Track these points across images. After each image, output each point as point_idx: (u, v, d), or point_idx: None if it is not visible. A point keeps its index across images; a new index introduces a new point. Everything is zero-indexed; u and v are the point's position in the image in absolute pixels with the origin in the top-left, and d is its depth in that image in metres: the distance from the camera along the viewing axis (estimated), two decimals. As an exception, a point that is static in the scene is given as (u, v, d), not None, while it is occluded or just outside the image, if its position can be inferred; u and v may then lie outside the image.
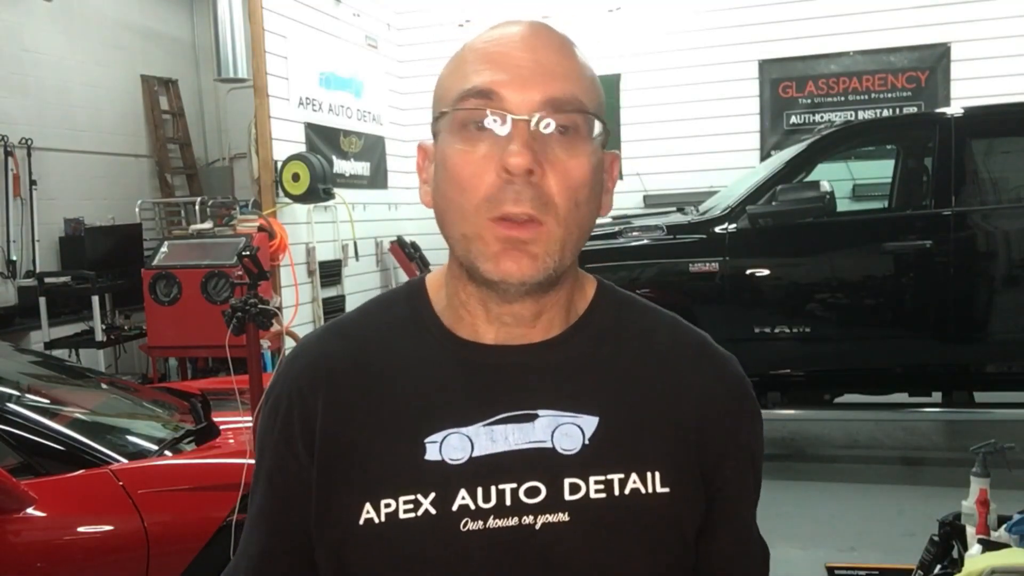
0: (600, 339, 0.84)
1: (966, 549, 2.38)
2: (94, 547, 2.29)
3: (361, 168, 6.77)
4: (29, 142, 6.73)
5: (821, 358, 4.58)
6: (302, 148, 5.81)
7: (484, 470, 0.78)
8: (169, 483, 2.49)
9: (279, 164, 5.57)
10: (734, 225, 4.50)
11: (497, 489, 0.77)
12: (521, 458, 0.78)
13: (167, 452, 2.61)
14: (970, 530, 2.43)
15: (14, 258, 6.61)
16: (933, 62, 6.84)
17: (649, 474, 0.79)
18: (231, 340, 2.39)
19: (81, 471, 2.36)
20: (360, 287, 6.65)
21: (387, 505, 0.78)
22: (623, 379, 0.82)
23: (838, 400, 4.75)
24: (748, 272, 4.49)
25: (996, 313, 4.42)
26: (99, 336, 5.79)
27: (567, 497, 0.77)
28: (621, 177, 7.53)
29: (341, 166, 6.35)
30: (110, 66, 7.81)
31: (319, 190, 5.53)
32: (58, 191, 7.09)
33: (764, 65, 7.20)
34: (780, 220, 4.43)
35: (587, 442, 0.79)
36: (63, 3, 7.09)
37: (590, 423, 0.80)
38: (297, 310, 5.53)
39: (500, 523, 0.77)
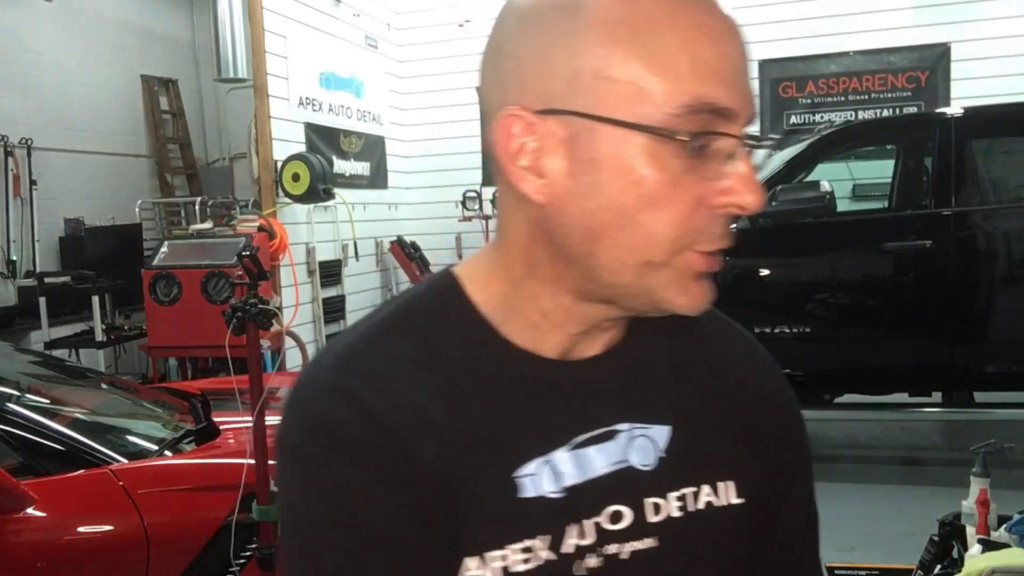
0: (655, 341, 0.75)
1: (966, 549, 2.38)
2: (94, 547, 2.29)
3: (361, 168, 6.77)
4: (29, 142, 6.74)
5: (821, 358, 4.58)
6: (302, 148, 5.81)
7: (581, 501, 0.68)
8: (169, 483, 2.49)
9: (279, 164, 5.57)
10: (734, 225, 4.49)
11: (593, 521, 0.68)
12: (607, 482, 0.69)
13: (167, 452, 2.61)
14: (970, 530, 2.43)
15: (14, 258, 6.62)
16: (933, 62, 6.83)
17: (722, 485, 0.73)
18: (231, 340, 2.38)
19: (81, 471, 2.37)
20: (360, 287, 6.65)
21: (501, 558, 0.65)
22: (684, 380, 0.75)
23: (838, 400, 4.75)
24: (748, 272, 4.49)
25: (996, 313, 4.42)
26: (99, 336, 5.79)
27: (651, 519, 0.70)
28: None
29: (341, 166, 6.35)
30: (110, 66, 7.81)
31: (319, 190, 5.53)
32: (58, 191, 7.09)
33: (764, 65, 7.20)
34: (780, 220, 4.43)
35: (663, 455, 0.71)
36: (63, 3, 7.09)
37: (662, 433, 0.72)
38: (297, 310, 5.53)
39: (595, 561, 0.68)
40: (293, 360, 5.53)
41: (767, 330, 4.45)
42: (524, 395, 0.69)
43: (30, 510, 2.22)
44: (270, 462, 2.35)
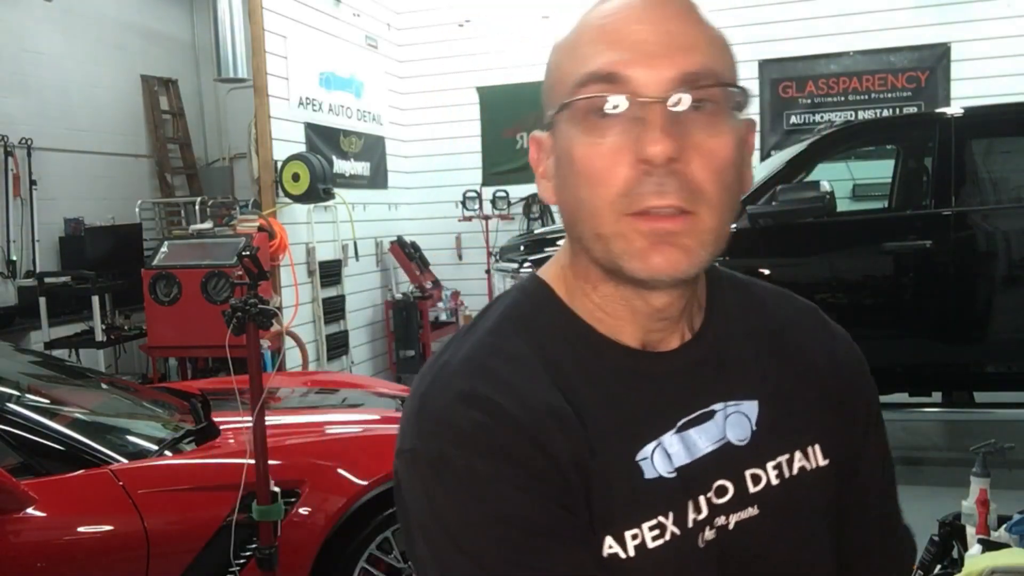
0: (733, 322, 0.81)
1: (966, 549, 2.38)
2: (94, 547, 2.29)
3: (361, 168, 6.77)
4: (29, 142, 6.74)
5: (821, 358, 4.58)
6: (302, 148, 5.81)
7: (692, 479, 0.74)
8: (169, 483, 2.48)
9: (279, 164, 5.57)
10: (734, 225, 4.48)
11: (708, 495, 0.74)
12: (711, 459, 0.75)
13: (167, 452, 2.61)
14: (970, 530, 2.43)
15: (14, 258, 6.62)
16: (933, 62, 6.84)
17: (811, 449, 0.79)
18: (231, 340, 2.38)
19: (81, 471, 2.36)
20: (360, 287, 6.65)
21: (634, 536, 0.71)
22: (762, 358, 0.80)
23: (838, 400, 4.75)
24: (748, 272, 4.48)
25: (996, 313, 4.42)
26: (99, 336, 5.79)
27: (751, 490, 0.76)
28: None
29: (341, 166, 6.36)
30: (110, 66, 7.81)
31: (319, 190, 5.53)
32: (58, 191, 7.09)
33: (764, 65, 7.20)
34: (780, 220, 4.43)
35: (755, 428, 0.77)
36: (63, 3, 7.09)
37: (752, 408, 0.77)
38: (297, 310, 5.53)
39: (710, 534, 0.74)
40: (293, 360, 5.53)
41: (767, 330, 4.45)
42: (630, 385, 0.74)
43: (30, 510, 2.22)
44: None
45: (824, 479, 0.79)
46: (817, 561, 0.78)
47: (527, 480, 0.69)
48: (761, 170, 5.05)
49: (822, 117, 6.71)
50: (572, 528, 0.69)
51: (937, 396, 4.73)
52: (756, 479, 0.76)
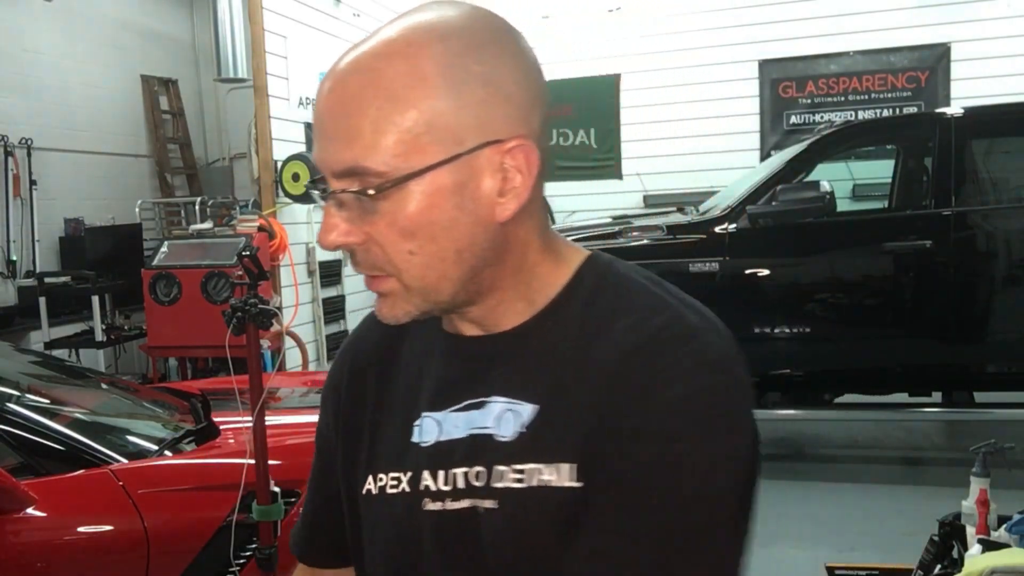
0: (562, 326, 0.79)
1: (966, 549, 2.38)
2: (94, 547, 2.29)
3: (361, 168, 6.76)
4: (29, 142, 6.74)
5: (821, 358, 4.58)
6: (302, 148, 5.81)
7: (444, 453, 0.81)
8: (169, 483, 2.48)
9: (279, 164, 5.57)
10: (734, 225, 4.50)
11: (452, 473, 0.80)
12: (472, 444, 0.80)
13: (167, 452, 2.61)
14: (970, 530, 2.43)
15: (14, 258, 6.62)
16: (933, 62, 6.84)
17: (565, 466, 0.75)
18: (231, 340, 2.38)
19: (81, 471, 2.36)
20: (360, 287, 6.63)
21: (379, 479, 0.86)
22: (569, 368, 0.77)
23: (838, 400, 4.75)
24: (748, 272, 4.49)
25: (996, 313, 4.42)
26: (99, 336, 5.79)
27: (496, 484, 0.78)
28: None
29: (341, 166, 6.35)
30: (110, 66, 7.81)
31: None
32: (58, 191, 7.09)
33: (764, 65, 7.20)
34: (780, 220, 4.43)
35: (522, 430, 0.78)
36: (63, 3, 7.09)
37: (528, 411, 0.78)
38: (297, 310, 5.53)
39: (455, 505, 0.80)
40: (293, 360, 5.53)
41: (767, 330, 4.46)
42: (438, 364, 0.85)
43: (30, 510, 2.22)
44: (272, 462, 2.35)
45: (572, 501, 0.73)
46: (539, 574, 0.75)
47: (329, 401, 0.96)
48: (761, 170, 5.05)
49: (822, 117, 6.71)
50: (327, 468, 0.95)
51: (937, 396, 4.73)
52: (502, 476, 0.78)
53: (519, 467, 0.77)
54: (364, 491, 0.87)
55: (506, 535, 0.77)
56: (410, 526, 0.82)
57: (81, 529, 2.31)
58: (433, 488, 0.81)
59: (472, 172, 0.74)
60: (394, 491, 0.84)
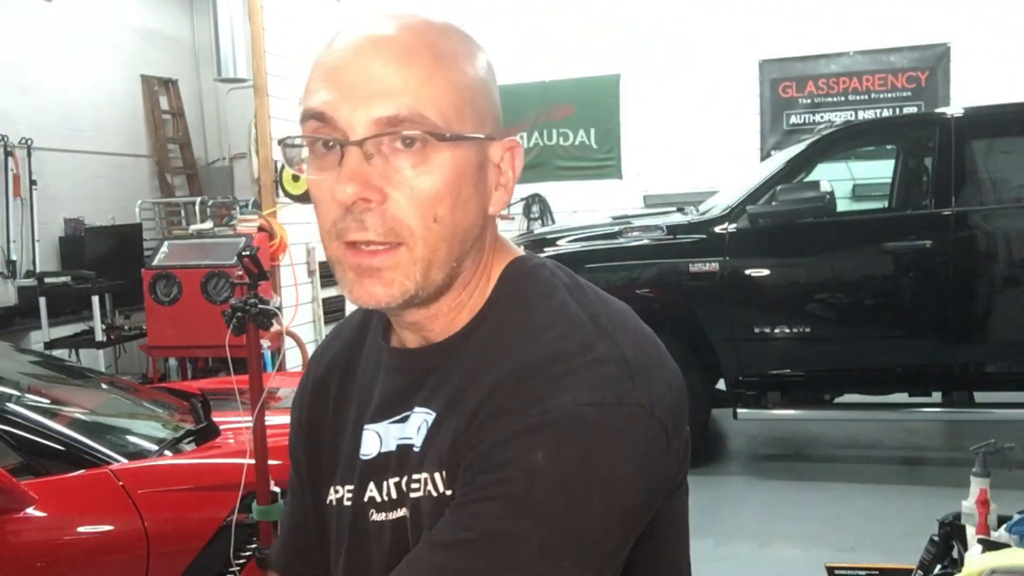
0: (477, 336, 0.79)
1: (966, 549, 2.38)
2: (94, 547, 2.29)
3: (361, 168, 6.76)
4: (29, 142, 6.73)
5: (821, 358, 4.58)
6: (302, 148, 5.80)
7: (381, 465, 0.82)
8: (169, 483, 2.48)
9: (279, 164, 5.57)
10: (734, 225, 4.50)
11: (388, 483, 0.81)
12: (399, 455, 0.81)
13: (167, 452, 2.61)
14: (970, 530, 2.43)
15: (14, 258, 6.61)
16: (933, 62, 6.84)
17: (439, 475, 0.76)
18: (231, 340, 2.38)
19: (81, 471, 2.36)
20: (360, 287, 6.64)
21: (337, 491, 0.87)
22: (468, 381, 0.76)
23: (838, 400, 4.75)
24: (748, 272, 4.49)
25: (996, 313, 4.41)
26: (99, 336, 5.79)
27: (411, 494, 0.79)
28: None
29: (341, 166, 6.34)
30: (110, 66, 7.81)
31: (319, 190, 5.52)
32: (58, 191, 7.09)
33: (764, 65, 7.21)
34: (780, 220, 4.43)
35: (425, 438, 0.79)
36: (63, 3, 7.09)
37: (431, 419, 0.79)
38: (297, 310, 5.52)
39: (395, 515, 0.80)
40: (293, 360, 5.52)
41: (767, 330, 4.45)
42: (381, 373, 0.86)
43: (30, 510, 2.22)
44: (272, 462, 2.35)
45: (444, 509, 0.74)
46: None
47: (295, 413, 0.97)
48: (761, 170, 5.05)
49: (822, 117, 6.71)
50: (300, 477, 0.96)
51: (937, 396, 4.73)
52: (413, 485, 0.79)
53: (417, 476, 0.78)
54: (328, 502, 0.88)
55: (409, 543, 0.78)
56: (361, 536, 0.83)
57: (81, 529, 2.31)
58: (378, 499, 0.82)
59: (485, 158, 0.77)
60: (348, 503, 0.85)
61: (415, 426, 0.80)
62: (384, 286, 0.73)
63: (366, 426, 0.85)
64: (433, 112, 0.71)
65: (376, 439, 0.84)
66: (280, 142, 0.78)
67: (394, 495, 0.81)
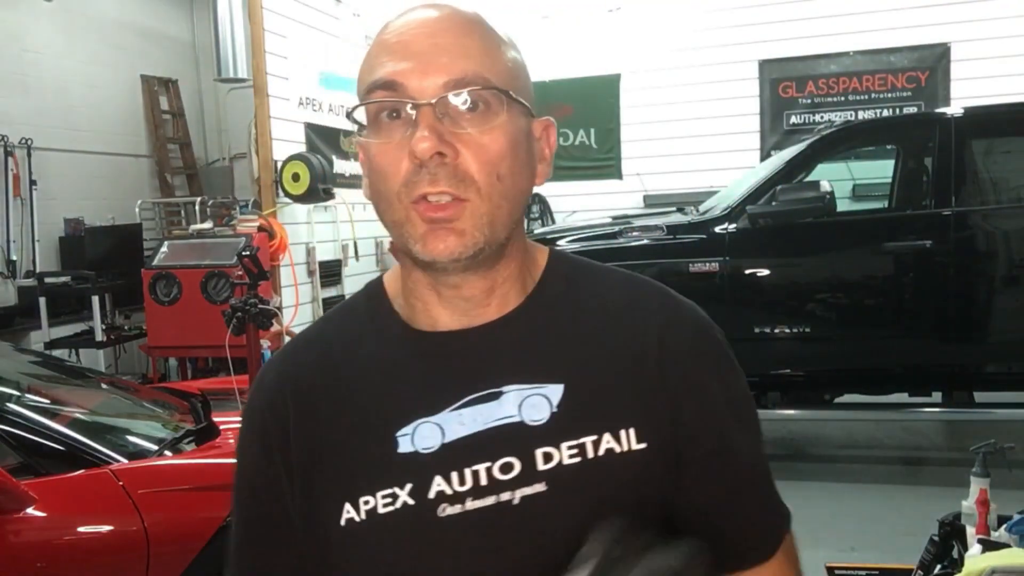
0: (557, 306, 0.85)
1: (966, 549, 2.38)
2: (94, 547, 2.29)
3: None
4: (29, 142, 6.74)
5: (821, 358, 4.58)
6: (302, 148, 5.81)
7: (457, 454, 0.79)
8: (169, 483, 2.49)
9: (279, 164, 5.57)
10: (734, 225, 4.50)
11: (472, 471, 0.78)
12: (492, 436, 0.79)
13: (167, 452, 2.61)
14: (970, 530, 2.43)
15: (14, 258, 6.62)
16: (933, 62, 6.84)
17: (623, 432, 0.80)
18: (231, 340, 2.39)
19: (81, 471, 2.36)
20: (360, 287, 6.64)
21: (366, 502, 0.79)
22: (584, 343, 0.83)
23: (838, 400, 4.75)
24: (748, 272, 4.49)
25: (996, 313, 4.41)
26: (99, 336, 5.79)
27: (541, 467, 0.78)
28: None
29: (341, 166, 6.35)
30: (110, 66, 7.81)
31: (319, 190, 5.53)
32: (58, 191, 7.09)
33: (764, 65, 7.20)
34: (780, 220, 4.43)
35: (555, 410, 0.80)
36: (63, 3, 7.09)
37: (556, 391, 0.80)
38: (297, 310, 5.52)
39: (479, 503, 0.78)
40: (293, 360, 5.52)
41: (767, 330, 4.45)
42: (416, 368, 0.83)
43: (30, 510, 2.22)
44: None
45: (640, 463, 0.80)
46: None
47: (261, 453, 0.86)
48: (761, 170, 5.05)
49: (822, 117, 6.71)
50: (277, 517, 0.85)
51: (937, 396, 4.73)
52: (548, 457, 0.78)
53: (572, 443, 0.79)
54: (343, 522, 0.80)
55: (564, 513, 0.78)
56: (426, 539, 0.78)
57: (81, 529, 2.31)
58: (449, 492, 0.78)
59: (532, 130, 0.83)
60: (390, 508, 0.79)
61: (516, 403, 0.80)
62: (457, 236, 0.76)
63: (418, 421, 0.80)
64: (494, 77, 0.78)
65: (434, 430, 0.79)
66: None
67: (483, 481, 0.78)
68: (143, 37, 8.24)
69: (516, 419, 0.79)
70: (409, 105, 0.76)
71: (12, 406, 2.48)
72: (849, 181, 6.47)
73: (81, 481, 2.35)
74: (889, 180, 5.30)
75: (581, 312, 0.85)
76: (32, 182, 6.72)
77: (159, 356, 5.67)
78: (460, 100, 0.76)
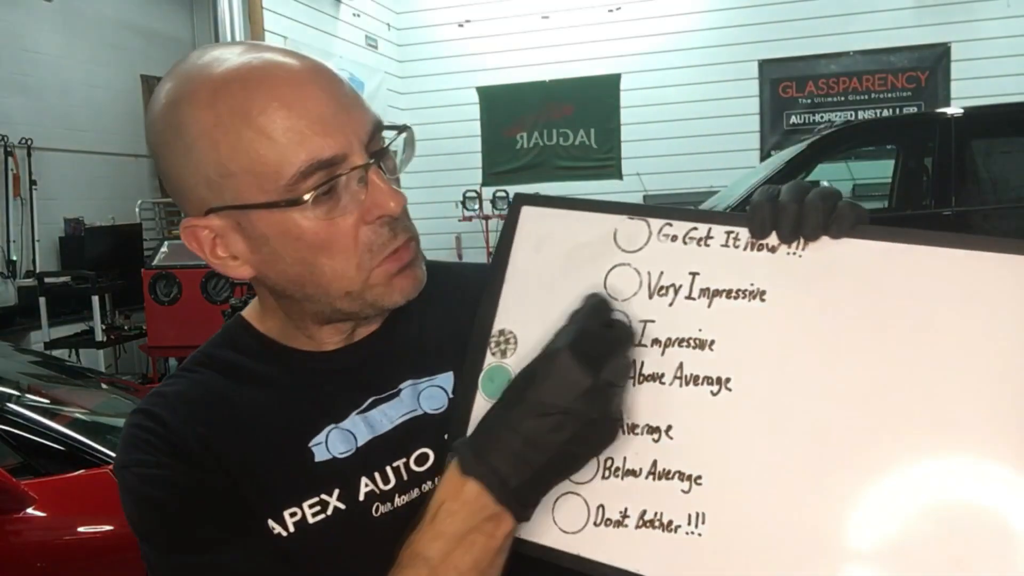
0: (429, 303, 0.85)
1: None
2: (94, 547, 2.29)
3: (361, 168, 6.77)
4: (29, 142, 6.74)
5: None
6: (302, 148, 5.81)
7: (374, 454, 0.80)
8: (169, 483, 2.48)
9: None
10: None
11: (392, 467, 0.80)
12: (402, 432, 0.81)
13: (167, 452, 2.61)
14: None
15: (14, 258, 6.62)
16: (933, 62, 6.84)
17: None
18: (231, 340, 2.39)
19: (81, 471, 2.37)
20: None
21: (292, 514, 0.76)
22: (459, 329, 0.84)
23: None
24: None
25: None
26: (99, 336, 5.79)
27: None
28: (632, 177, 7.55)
29: (341, 166, 6.35)
30: (110, 66, 7.81)
31: (319, 190, 5.53)
32: (58, 191, 7.09)
33: (764, 65, 7.21)
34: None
35: (451, 396, 0.82)
36: (63, 3, 7.09)
37: (447, 379, 0.84)
38: (297, 310, 5.52)
39: (406, 498, 0.80)
40: (293, 360, 5.53)
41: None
42: (308, 384, 0.81)
43: (30, 510, 2.22)
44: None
45: None
46: None
47: (172, 458, 0.76)
48: (761, 170, 5.05)
49: (822, 117, 6.71)
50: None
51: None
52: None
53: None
54: (274, 535, 0.76)
55: None
56: (364, 539, 0.77)
57: (81, 529, 2.31)
58: (378, 491, 0.79)
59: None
60: (321, 516, 0.77)
61: (415, 397, 0.83)
62: (420, 273, 0.78)
63: (326, 428, 0.79)
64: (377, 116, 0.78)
65: (345, 435, 0.79)
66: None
67: (404, 477, 0.80)
68: (143, 37, 8.24)
69: (419, 412, 0.82)
70: (357, 175, 0.71)
71: (12, 406, 2.48)
72: (849, 181, 6.48)
73: (81, 481, 2.35)
74: (889, 180, 5.31)
75: (449, 301, 0.88)
76: (32, 182, 6.72)
77: (159, 356, 5.67)
78: (392, 147, 0.77)
